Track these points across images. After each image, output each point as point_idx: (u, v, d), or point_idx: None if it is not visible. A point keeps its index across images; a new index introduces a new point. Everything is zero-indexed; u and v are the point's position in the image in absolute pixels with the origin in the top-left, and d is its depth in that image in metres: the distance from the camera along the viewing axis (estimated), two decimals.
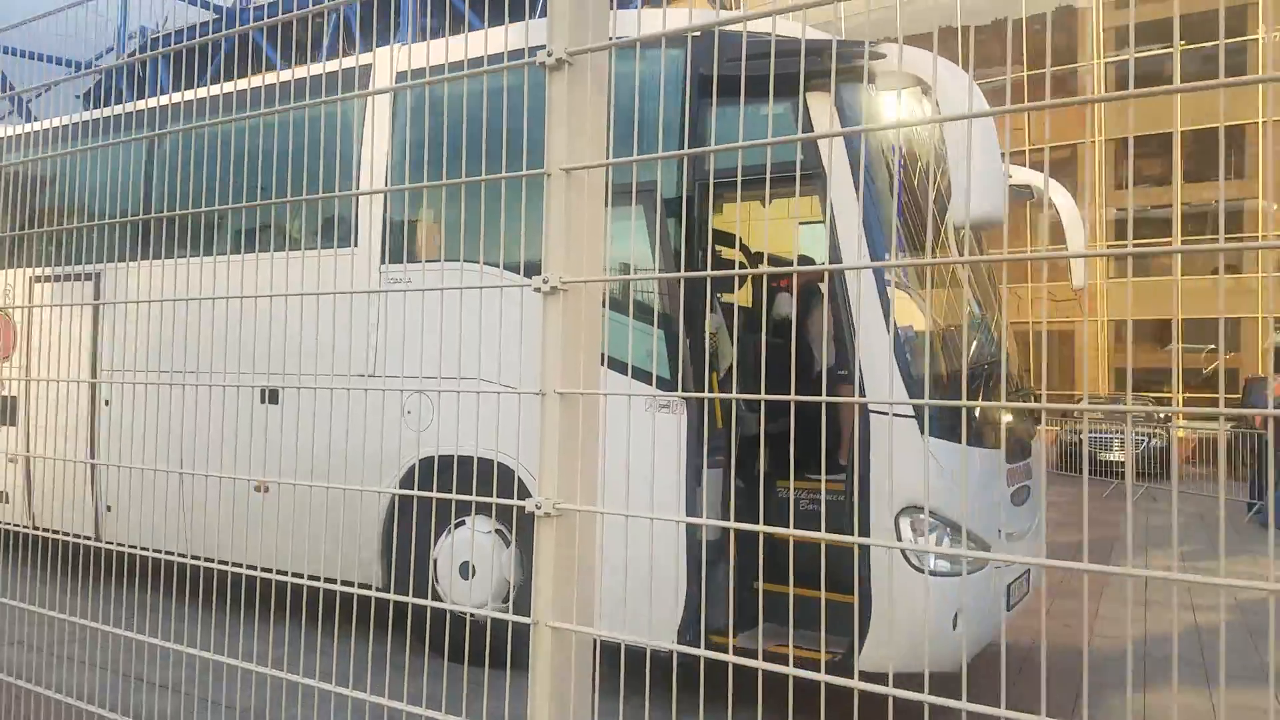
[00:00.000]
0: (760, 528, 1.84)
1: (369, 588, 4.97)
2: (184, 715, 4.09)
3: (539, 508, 1.84)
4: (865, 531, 4.17)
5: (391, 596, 2.52)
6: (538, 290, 1.87)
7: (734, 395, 5.09)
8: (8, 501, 7.72)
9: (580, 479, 1.87)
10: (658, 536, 4.36)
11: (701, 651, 1.87)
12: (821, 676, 1.69)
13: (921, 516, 4.23)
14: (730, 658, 1.81)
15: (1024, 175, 6.26)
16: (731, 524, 1.92)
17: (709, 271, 4.96)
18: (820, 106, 4.41)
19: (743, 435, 4.86)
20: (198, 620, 3.18)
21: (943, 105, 3.90)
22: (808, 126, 4.41)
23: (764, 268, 5.22)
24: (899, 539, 4.21)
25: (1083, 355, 21.10)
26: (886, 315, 4.19)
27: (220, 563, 2.91)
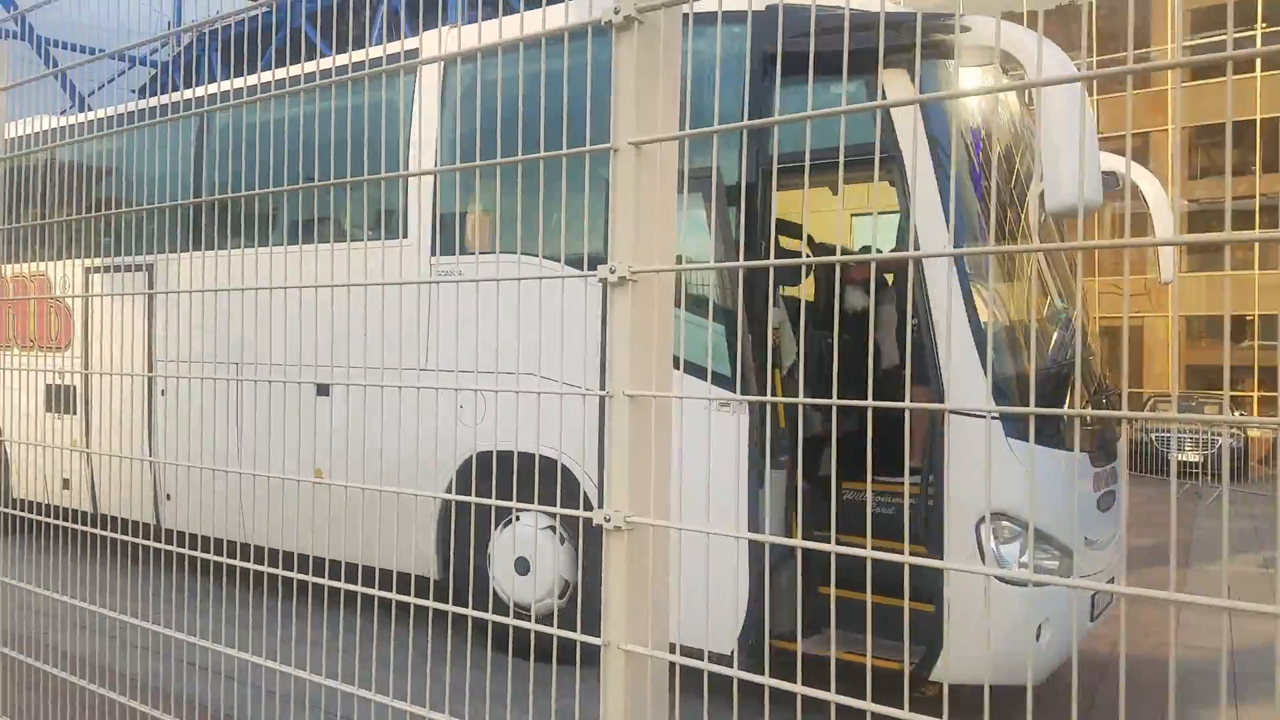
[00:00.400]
0: (833, 547, 1.63)
1: (426, 582, 4.86)
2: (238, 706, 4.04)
3: (607, 520, 1.65)
4: (941, 539, 3.94)
5: (450, 607, 2.33)
6: (602, 281, 1.68)
7: (831, 400, 4.85)
8: (69, 488, 7.77)
9: (652, 490, 1.67)
10: (716, 539, 4.15)
11: (767, 680, 1.65)
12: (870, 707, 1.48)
13: (1004, 523, 3.98)
14: (800, 688, 1.60)
15: (1106, 161, 5.93)
16: (801, 542, 1.72)
17: (804, 258, 4.74)
18: (898, 86, 4.15)
19: (807, 436, 4.64)
20: (261, 607, 3.06)
21: (1036, 93, 3.63)
22: (883, 112, 4.15)
23: (846, 255, 4.98)
24: (980, 547, 3.96)
25: (1169, 353, 20.36)
26: (971, 309, 3.93)
27: (270, 567, 2.79)
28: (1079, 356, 4.93)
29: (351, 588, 2.48)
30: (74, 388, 7.25)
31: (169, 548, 3.09)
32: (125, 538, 3.22)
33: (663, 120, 1.69)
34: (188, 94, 6.07)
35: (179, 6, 15.46)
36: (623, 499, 1.65)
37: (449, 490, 5.34)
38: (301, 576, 2.65)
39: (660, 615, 1.71)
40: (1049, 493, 4.12)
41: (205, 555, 2.91)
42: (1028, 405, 4.24)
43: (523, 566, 5.22)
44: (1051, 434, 4.25)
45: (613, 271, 1.67)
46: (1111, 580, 4.96)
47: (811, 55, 1.72)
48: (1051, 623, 4.17)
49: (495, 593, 5.34)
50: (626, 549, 1.64)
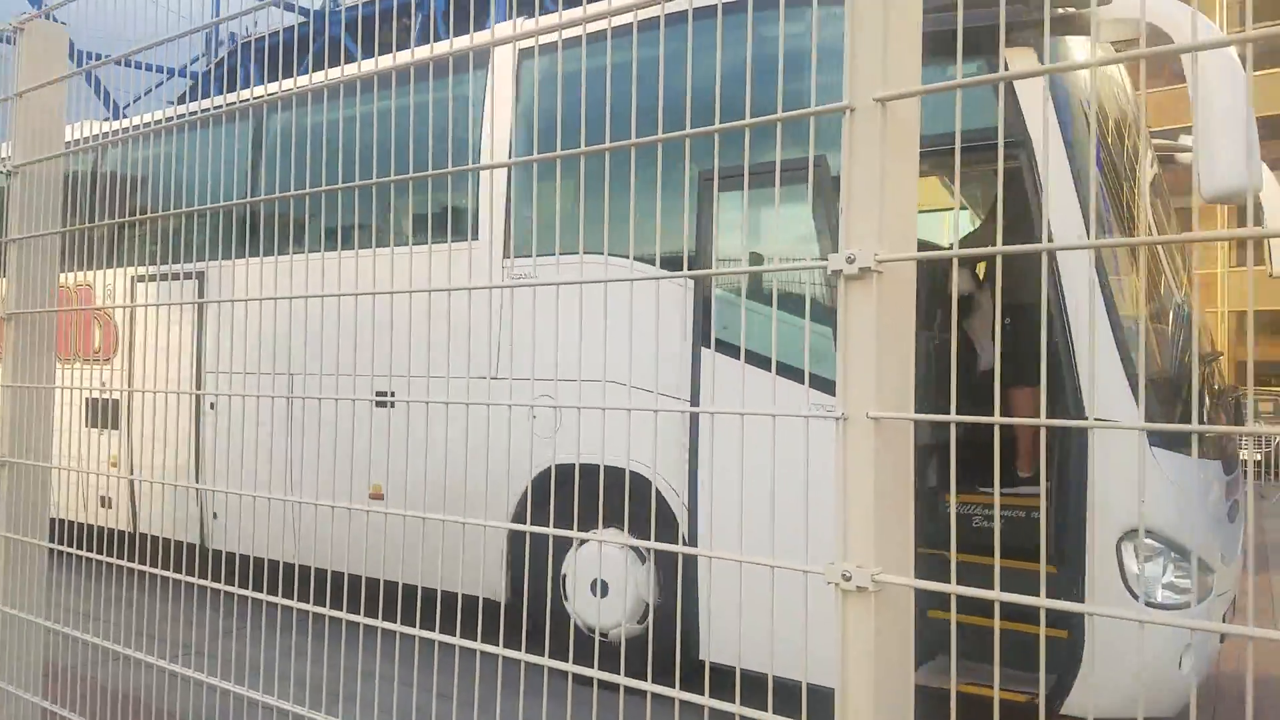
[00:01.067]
0: (954, 588, 1.29)
1: (495, 606, 4.55)
2: None
3: (847, 578, 1.30)
4: (1080, 558, 3.57)
5: (543, 661, 2.00)
6: (836, 272, 1.34)
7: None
8: (110, 506, 7.52)
9: (900, 536, 1.33)
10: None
11: None
12: None
13: (1148, 540, 3.60)
14: None
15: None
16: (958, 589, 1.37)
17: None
18: (1024, 66, 3.78)
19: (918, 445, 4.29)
20: (322, 635, 2.77)
21: (1190, 65, 3.27)
22: (1008, 93, 3.79)
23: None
24: (1120, 567, 3.58)
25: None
26: (1112, 308, 3.56)
27: (318, 605, 2.51)
28: (1199, 358, 4.55)
29: (403, 629, 2.24)
30: (117, 401, 6.99)
31: (215, 585, 2.82)
32: (165, 573, 2.97)
33: (906, 69, 1.35)
34: (245, 94, 5.80)
35: (216, 14, 15.34)
36: (867, 550, 1.31)
37: (521, 506, 5.02)
38: (351, 617, 2.38)
39: (904, 702, 1.36)
40: (1189, 506, 3.75)
41: (254, 594, 2.65)
42: (1169, 411, 3.88)
43: (602, 590, 4.89)
44: (1188, 441, 3.89)
45: (851, 260, 1.32)
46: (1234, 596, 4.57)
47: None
48: (1193, 649, 3.80)
49: (568, 614, 5.01)
50: (875, 617, 1.29)
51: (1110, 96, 4.40)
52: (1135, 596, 3.58)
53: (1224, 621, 4.39)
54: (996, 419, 1.32)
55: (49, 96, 2.89)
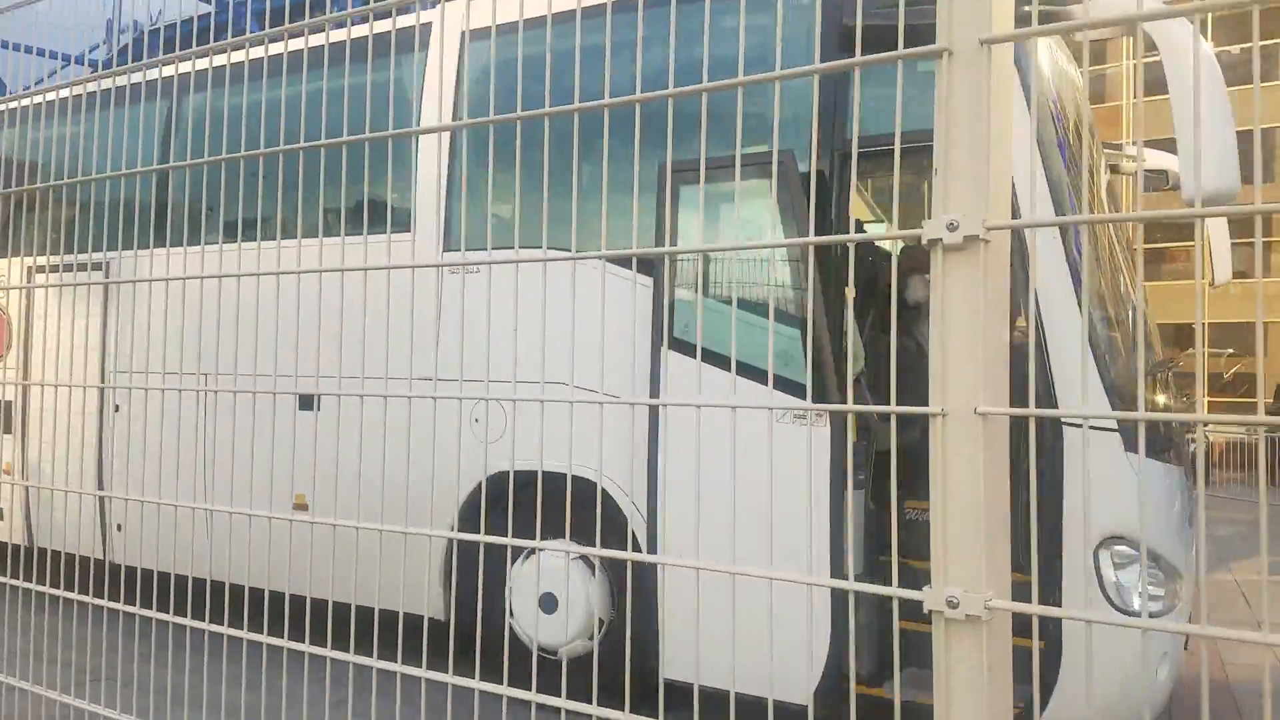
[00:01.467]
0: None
1: (433, 625, 4.26)
2: None
3: (953, 604, 1.09)
4: (1059, 566, 3.45)
5: (505, 690, 1.78)
6: (933, 241, 1.13)
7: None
8: (2, 518, 6.94)
9: (1002, 554, 1.13)
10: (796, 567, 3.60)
11: None
12: None
13: (1120, 548, 3.51)
14: None
15: (1159, 160, 5.61)
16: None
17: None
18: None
19: (878, 449, 4.14)
20: (238, 659, 2.49)
21: (1167, 55, 3.19)
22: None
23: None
24: (1099, 575, 3.48)
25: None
26: (1080, 296, 3.44)
27: (236, 629, 2.25)
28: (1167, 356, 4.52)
29: (334, 655, 2.04)
30: (11, 402, 6.44)
31: (126, 608, 2.55)
32: (71, 595, 2.68)
33: (1008, 15, 1.15)
34: (152, 74, 5.37)
35: (119, 6, 14.48)
36: (974, 571, 1.10)
37: (461, 516, 4.72)
38: (273, 641, 2.16)
39: None
40: (1160, 511, 3.68)
41: (163, 616, 2.42)
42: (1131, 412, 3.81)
43: (548, 603, 4.61)
44: (1162, 446, 3.82)
45: (953, 228, 1.12)
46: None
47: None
48: (1168, 656, 3.73)
49: (513, 632, 4.72)
50: (986, 650, 1.09)
51: (1070, 100, 4.34)
52: (1114, 605, 3.48)
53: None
54: (1085, 415, 1.12)
55: None
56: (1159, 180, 5.65)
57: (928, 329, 3.88)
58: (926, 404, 1.15)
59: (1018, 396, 1.25)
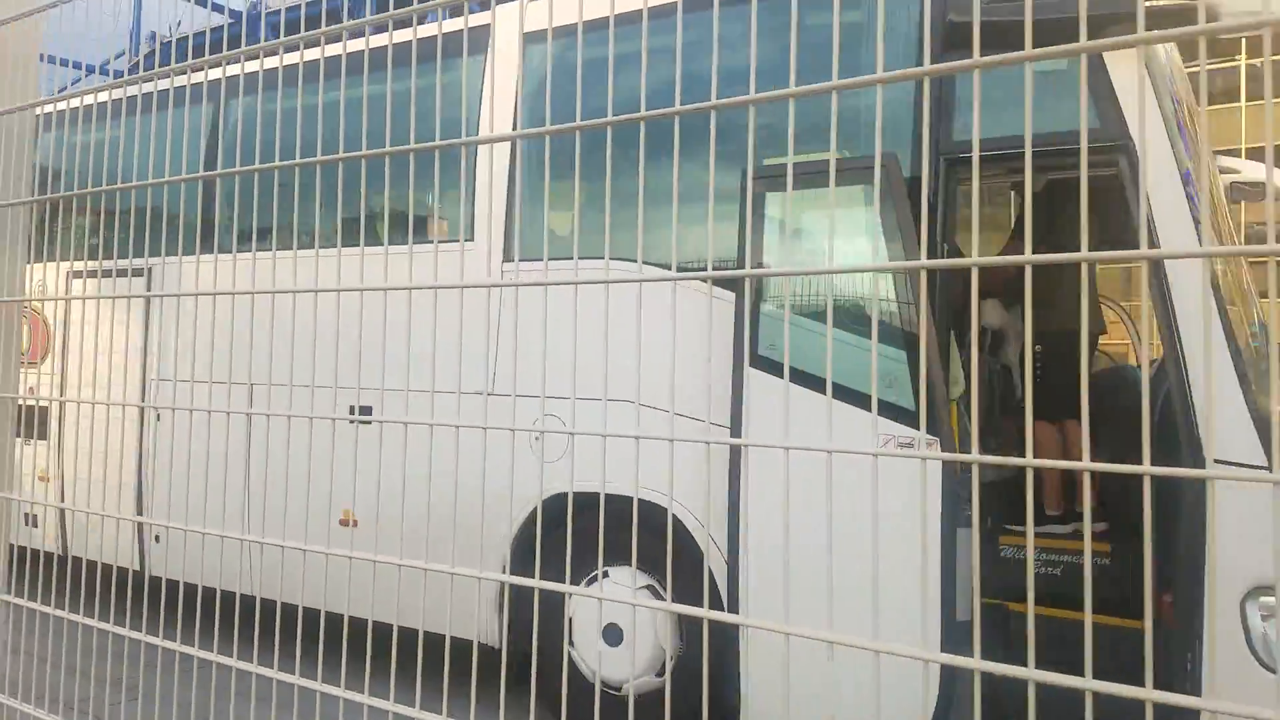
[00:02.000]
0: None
1: (486, 653, 3.98)
2: None
3: None
4: (1199, 619, 3.12)
5: None
6: None
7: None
8: (36, 525, 6.74)
9: None
10: (901, 615, 3.28)
11: None
12: None
13: (1264, 598, 3.16)
14: None
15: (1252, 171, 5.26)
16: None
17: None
18: (1120, 61, 3.32)
19: (989, 482, 3.82)
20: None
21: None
22: (1099, 89, 3.32)
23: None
24: (1246, 629, 3.13)
25: None
26: (1229, 329, 3.11)
27: (279, 672, 2.01)
28: None
29: (371, 702, 1.85)
30: (46, 409, 6.23)
31: (164, 643, 2.33)
32: (103, 625, 2.49)
33: None
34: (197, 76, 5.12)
35: (138, 15, 14.29)
36: None
37: (521, 537, 4.44)
38: (307, 684, 2.00)
39: None
40: None
41: (203, 654, 2.21)
42: None
43: (612, 635, 4.32)
44: None
45: None
46: None
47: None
48: None
49: (574, 663, 4.43)
50: None
51: (1186, 100, 3.99)
52: (1263, 664, 3.13)
53: None
54: None
55: (26, 31, 2.26)
56: (1256, 193, 5.29)
57: (1008, 352, 3.38)
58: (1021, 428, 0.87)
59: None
